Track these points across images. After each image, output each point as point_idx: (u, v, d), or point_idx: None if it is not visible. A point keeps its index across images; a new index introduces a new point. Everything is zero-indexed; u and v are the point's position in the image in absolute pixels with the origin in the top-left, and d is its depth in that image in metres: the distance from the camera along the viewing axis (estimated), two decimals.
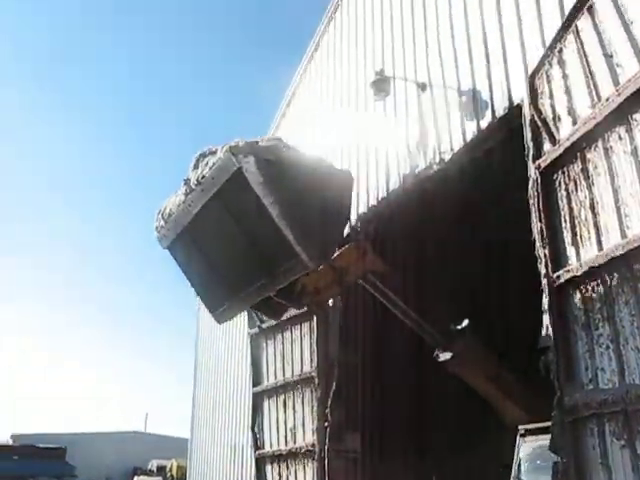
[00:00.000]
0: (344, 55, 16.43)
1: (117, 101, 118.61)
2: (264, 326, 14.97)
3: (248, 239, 8.16)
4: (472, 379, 11.89)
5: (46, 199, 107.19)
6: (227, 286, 8.86)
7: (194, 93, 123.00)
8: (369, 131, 13.91)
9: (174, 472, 44.90)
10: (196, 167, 8.25)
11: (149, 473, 50.84)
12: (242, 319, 15.48)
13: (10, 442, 57.36)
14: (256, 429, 15.40)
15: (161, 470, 48.88)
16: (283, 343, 14.71)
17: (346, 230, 10.16)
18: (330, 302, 13.10)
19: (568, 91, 7.86)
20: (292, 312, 12.89)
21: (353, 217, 12.82)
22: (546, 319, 7.75)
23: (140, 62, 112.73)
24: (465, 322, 11.84)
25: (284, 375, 14.66)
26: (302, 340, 14.15)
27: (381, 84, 12.29)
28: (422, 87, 11.99)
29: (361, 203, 13.48)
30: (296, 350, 14.33)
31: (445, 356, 11.61)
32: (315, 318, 13.49)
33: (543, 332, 7.76)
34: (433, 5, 12.34)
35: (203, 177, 7.98)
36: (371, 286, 10.79)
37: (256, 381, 15.55)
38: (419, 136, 11.88)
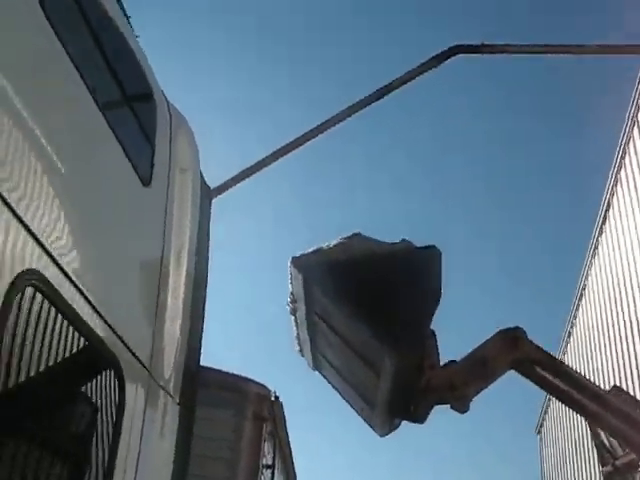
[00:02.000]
0: None
1: None
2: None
3: (348, 345, 8.05)
4: None
5: None
6: (362, 400, 8.84)
7: None
8: None
9: None
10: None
11: None
12: None
13: None
14: None
15: None
16: None
17: None
18: None
19: None
20: None
21: None
22: None
23: None
24: None
25: None
26: None
27: None
28: None
29: None
30: None
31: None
32: None
33: None
34: None
35: (292, 292, 7.92)
36: (528, 376, 10.22)
37: None
38: None
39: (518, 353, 9.66)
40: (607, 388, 12.89)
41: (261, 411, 5.95)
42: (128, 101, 3.22)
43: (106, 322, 2.61)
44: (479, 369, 9.31)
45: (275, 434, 6.82)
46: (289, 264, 7.70)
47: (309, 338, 8.39)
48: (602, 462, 12.34)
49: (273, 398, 6.15)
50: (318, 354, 8.80)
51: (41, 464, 2.41)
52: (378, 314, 7.45)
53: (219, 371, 6.79)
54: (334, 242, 7.73)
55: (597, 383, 22.64)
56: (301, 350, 8.96)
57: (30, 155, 2.22)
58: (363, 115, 7.88)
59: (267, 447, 6.39)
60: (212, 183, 6.17)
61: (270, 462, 6.63)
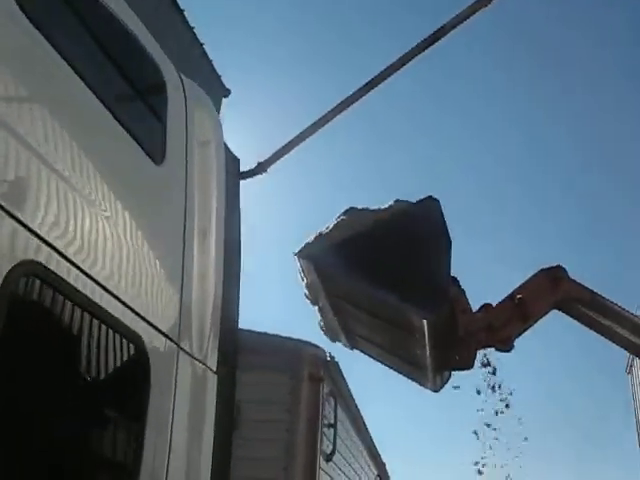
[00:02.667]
0: None
1: None
2: None
3: (378, 317, 8.01)
4: None
5: None
6: (407, 363, 8.90)
7: None
8: None
9: None
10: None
11: None
12: None
13: None
14: None
15: None
16: None
17: None
18: None
19: None
20: None
21: None
22: None
23: None
24: None
25: None
26: None
27: None
28: None
29: None
30: None
31: None
32: None
33: None
34: None
35: (307, 284, 7.93)
36: (572, 315, 10.22)
37: None
38: None
39: (560, 293, 9.56)
40: None
41: (317, 372, 6.04)
42: (130, 79, 3.25)
43: (123, 302, 2.67)
44: (519, 310, 9.26)
45: (336, 394, 6.91)
46: (296, 258, 7.69)
47: (337, 321, 8.31)
48: None
49: (328, 358, 6.23)
50: (351, 334, 8.75)
51: (67, 451, 2.50)
52: (395, 278, 7.39)
53: (272, 335, 6.90)
54: (332, 223, 7.70)
55: None
56: (333, 336, 8.89)
57: (28, 148, 2.27)
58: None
59: (327, 408, 6.49)
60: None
61: (332, 421, 6.74)
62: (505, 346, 9.22)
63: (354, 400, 8.54)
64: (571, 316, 9.83)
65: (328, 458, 6.77)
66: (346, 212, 7.94)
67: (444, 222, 7.97)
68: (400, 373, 9.27)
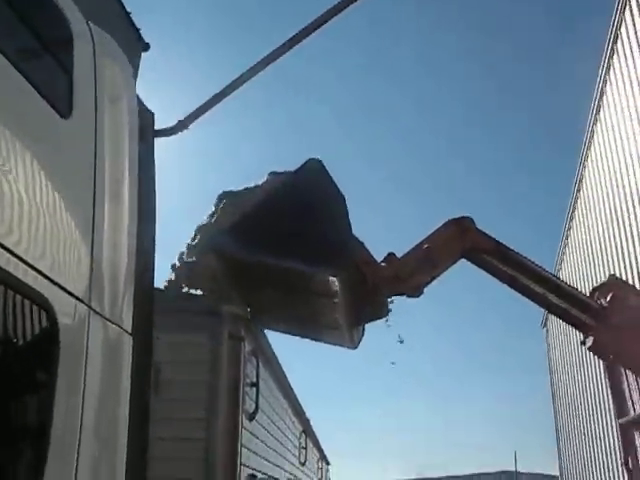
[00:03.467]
0: None
1: None
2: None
3: (291, 291, 7.96)
4: None
5: None
6: (325, 328, 8.83)
7: None
8: None
9: None
10: None
11: None
12: None
13: None
14: (630, 465, 12.91)
15: None
16: None
17: None
18: None
19: None
20: None
21: None
22: None
23: None
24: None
25: None
26: None
27: None
28: None
29: None
30: None
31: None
32: None
33: None
34: None
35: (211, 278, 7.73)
36: (478, 264, 10.37)
37: (621, 411, 13.40)
38: None
39: (467, 242, 9.88)
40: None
41: (237, 331, 5.99)
42: (33, 27, 3.06)
43: (25, 262, 2.54)
44: (426, 259, 9.51)
45: (258, 352, 6.89)
46: (186, 258, 7.56)
47: (248, 306, 8.03)
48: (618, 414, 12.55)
49: (249, 317, 6.19)
50: (264, 316, 8.54)
51: None
52: (297, 246, 7.34)
53: (191, 295, 6.81)
54: (211, 212, 7.63)
55: (599, 274, 22.95)
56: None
57: None
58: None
59: (249, 367, 6.47)
60: None
61: (255, 380, 6.73)
62: (414, 292, 9.46)
63: (277, 358, 8.56)
64: (477, 265, 10.16)
65: (251, 417, 6.76)
66: (223, 197, 7.85)
67: (331, 180, 7.98)
68: (318, 341, 9.35)
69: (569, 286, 10.69)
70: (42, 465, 2.59)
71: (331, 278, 7.19)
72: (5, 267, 2.40)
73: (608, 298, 10.61)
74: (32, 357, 2.71)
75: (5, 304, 2.47)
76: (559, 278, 10.35)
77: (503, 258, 10.10)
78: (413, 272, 9.24)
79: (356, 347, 9.24)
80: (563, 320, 10.95)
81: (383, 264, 8.90)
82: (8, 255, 2.43)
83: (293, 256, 7.18)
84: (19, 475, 2.57)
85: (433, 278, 9.80)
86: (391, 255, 9.08)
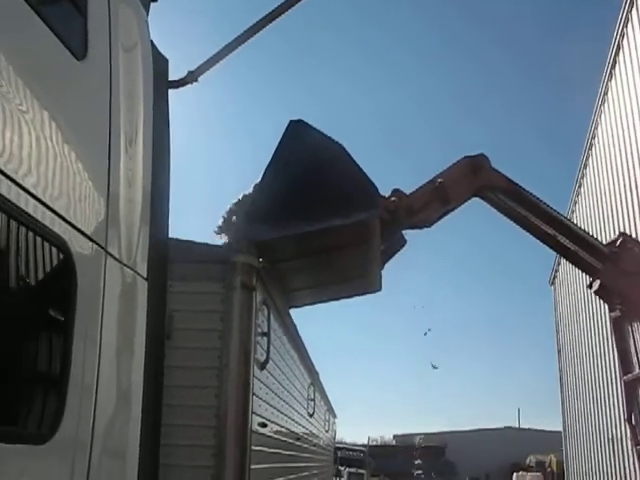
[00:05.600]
0: None
1: None
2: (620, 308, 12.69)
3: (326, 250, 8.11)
4: None
5: None
6: (351, 279, 8.98)
7: None
8: None
9: (554, 467, 44.26)
10: None
11: (528, 469, 51.52)
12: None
13: (393, 442, 64.16)
14: (633, 421, 13.41)
15: (540, 466, 49.46)
16: None
17: None
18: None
19: None
20: None
21: None
22: None
23: None
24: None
25: None
26: None
27: None
28: None
29: None
30: None
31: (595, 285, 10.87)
32: None
33: None
34: None
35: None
36: (491, 203, 10.38)
37: (626, 369, 13.53)
38: None
39: (480, 179, 9.99)
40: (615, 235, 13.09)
41: (250, 280, 6.01)
42: None
43: (43, 203, 2.54)
44: (438, 193, 9.63)
45: (269, 303, 6.92)
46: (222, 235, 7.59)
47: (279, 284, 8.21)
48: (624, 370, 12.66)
49: (262, 267, 6.21)
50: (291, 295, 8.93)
51: None
52: (326, 206, 7.42)
53: (203, 244, 6.82)
54: (230, 206, 7.66)
55: (608, 231, 22.86)
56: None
57: None
58: None
59: (260, 317, 6.50)
60: None
61: (266, 330, 6.77)
62: (426, 223, 9.65)
63: (288, 309, 8.61)
64: (490, 204, 10.31)
65: (262, 366, 6.83)
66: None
67: (321, 133, 7.96)
68: (347, 297, 9.49)
69: (580, 229, 10.81)
70: (61, 407, 2.62)
71: (366, 226, 7.35)
72: (24, 207, 2.40)
73: (617, 243, 10.72)
74: (49, 299, 2.72)
75: (25, 245, 2.49)
76: (571, 220, 10.48)
77: (516, 197, 10.23)
78: (426, 205, 9.45)
79: (380, 289, 9.39)
80: (572, 262, 11.07)
81: (393, 199, 9.07)
82: (27, 196, 2.43)
83: (324, 217, 7.27)
84: (38, 416, 2.61)
85: (446, 212, 9.99)
86: (398, 191, 9.26)
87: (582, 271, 11.03)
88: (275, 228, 7.25)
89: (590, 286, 11.02)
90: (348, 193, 7.51)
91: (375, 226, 7.68)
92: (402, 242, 9.71)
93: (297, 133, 7.83)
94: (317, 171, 7.67)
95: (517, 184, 10.29)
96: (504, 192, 10.29)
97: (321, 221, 7.31)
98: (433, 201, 9.68)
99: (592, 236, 10.83)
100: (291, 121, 7.92)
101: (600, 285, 10.76)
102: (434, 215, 9.85)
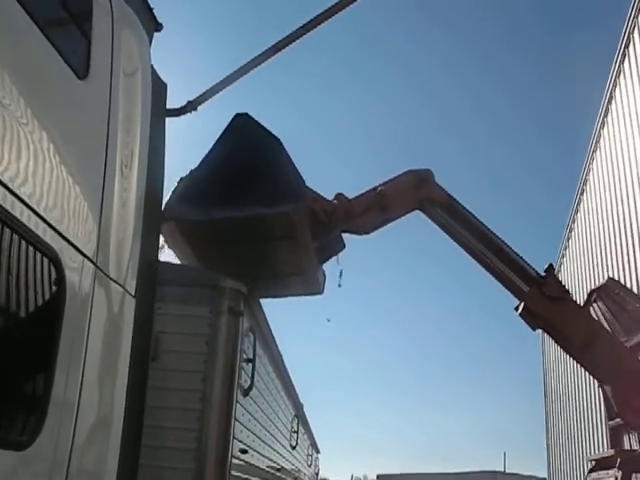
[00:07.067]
0: None
1: None
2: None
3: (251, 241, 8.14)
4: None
5: None
6: (290, 278, 9.00)
7: None
8: None
9: None
10: None
11: None
12: None
13: None
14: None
15: None
16: None
17: None
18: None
19: None
20: None
21: None
22: None
23: None
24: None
25: None
26: None
27: None
28: None
29: None
30: None
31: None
32: None
33: None
34: None
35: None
36: (431, 217, 10.56)
37: (611, 414, 13.57)
38: None
39: (422, 193, 10.20)
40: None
41: (237, 306, 6.05)
42: None
43: (37, 214, 2.61)
44: (379, 201, 9.83)
45: (255, 329, 6.95)
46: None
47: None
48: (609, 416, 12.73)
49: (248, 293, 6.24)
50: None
51: None
52: (250, 197, 7.52)
53: (193, 268, 6.86)
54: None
55: (597, 277, 22.92)
56: None
57: None
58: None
59: (246, 342, 6.52)
60: None
61: (251, 356, 6.78)
62: (364, 231, 9.87)
63: (273, 337, 8.62)
64: (430, 217, 10.57)
65: (245, 393, 6.82)
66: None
67: (262, 128, 8.12)
68: (286, 296, 9.48)
69: (513, 251, 11.02)
70: (42, 417, 2.67)
71: (289, 218, 7.49)
72: (19, 217, 2.48)
73: (544, 268, 10.97)
74: (38, 309, 2.77)
75: (17, 255, 2.55)
76: (505, 242, 10.75)
77: (454, 214, 10.52)
78: (365, 210, 9.68)
79: (322, 292, 9.45)
80: (502, 283, 11.23)
81: (334, 201, 9.29)
82: (22, 206, 2.50)
83: (250, 206, 7.43)
84: (18, 423, 2.65)
85: (384, 222, 10.20)
86: (340, 195, 9.47)
87: (511, 293, 11.23)
88: (202, 211, 7.40)
89: (516, 308, 11.18)
90: (276, 185, 7.68)
91: (300, 221, 7.73)
92: (340, 246, 9.88)
93: (239, 125, 8.04)
94: (251, 163, 7.85)
95: (457, 201, 10.59)
96: (443, 207, 10.63)
97: (247, 210, 7.47)
98: (373, 208, 9.98)
99: (524, 260, 11.03)
100: (236, 114, 8.11)
101: (524, 307, 10.96)
102: (372, 222, 10.14)
